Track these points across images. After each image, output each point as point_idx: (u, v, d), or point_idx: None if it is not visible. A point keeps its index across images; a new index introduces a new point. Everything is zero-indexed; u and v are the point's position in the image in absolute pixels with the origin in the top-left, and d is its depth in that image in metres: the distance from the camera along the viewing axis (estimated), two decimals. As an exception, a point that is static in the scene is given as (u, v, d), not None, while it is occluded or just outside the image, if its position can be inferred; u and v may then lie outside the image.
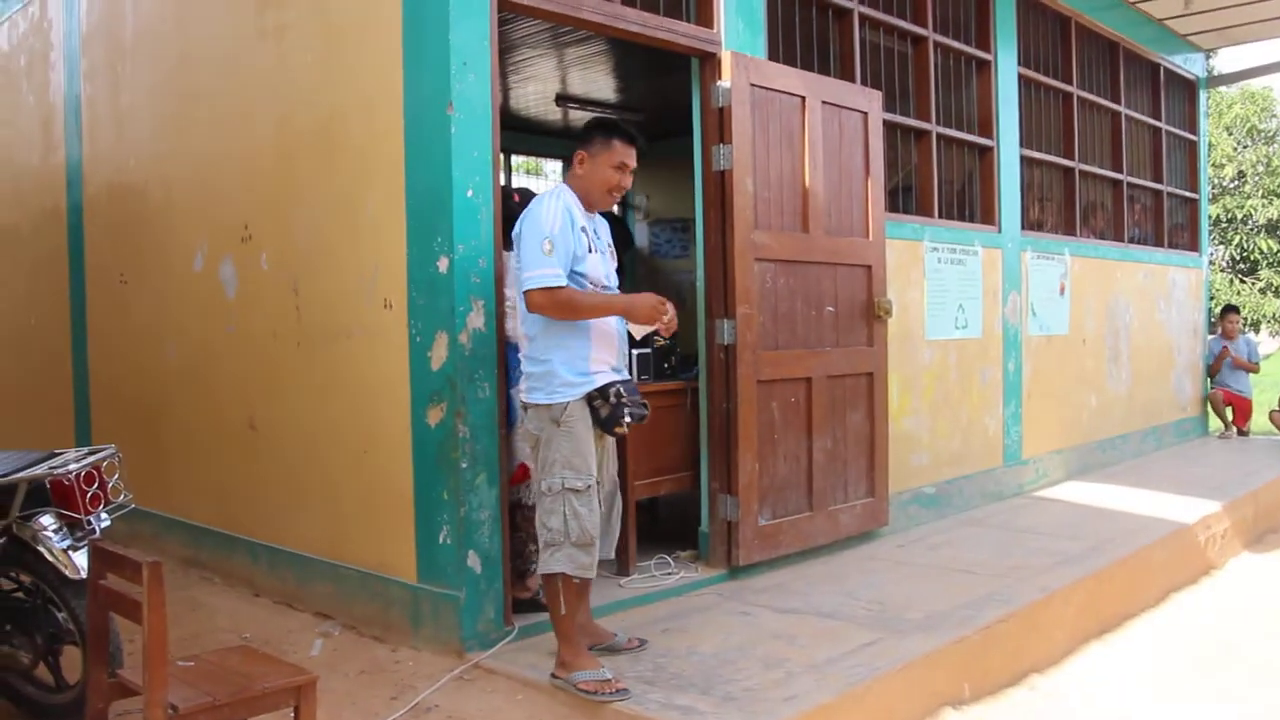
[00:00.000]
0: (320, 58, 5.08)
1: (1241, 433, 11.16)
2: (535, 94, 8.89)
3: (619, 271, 4.35)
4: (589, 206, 4.19)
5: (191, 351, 6.19)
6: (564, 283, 3.90)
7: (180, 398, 6.31)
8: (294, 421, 5.35)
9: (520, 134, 10.17)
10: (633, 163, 4.17)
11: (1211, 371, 11.19)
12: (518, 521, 4.73)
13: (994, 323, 7.60)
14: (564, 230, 3.94)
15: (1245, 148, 25.07)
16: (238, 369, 5.76)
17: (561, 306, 3.92)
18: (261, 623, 5.11)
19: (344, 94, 4.94)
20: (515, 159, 11.59)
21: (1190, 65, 11.03)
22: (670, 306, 4.09)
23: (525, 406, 4.09)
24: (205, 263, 5.95)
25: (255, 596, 5.54)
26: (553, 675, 4.00)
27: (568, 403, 3.96)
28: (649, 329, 4.22)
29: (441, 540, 4.44)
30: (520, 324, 4.13)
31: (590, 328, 4.03)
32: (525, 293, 3.90)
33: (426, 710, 3.97)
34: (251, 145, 5.58)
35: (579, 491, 3.94)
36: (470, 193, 4.37)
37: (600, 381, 4.00)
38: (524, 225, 3.97)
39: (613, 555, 4.37)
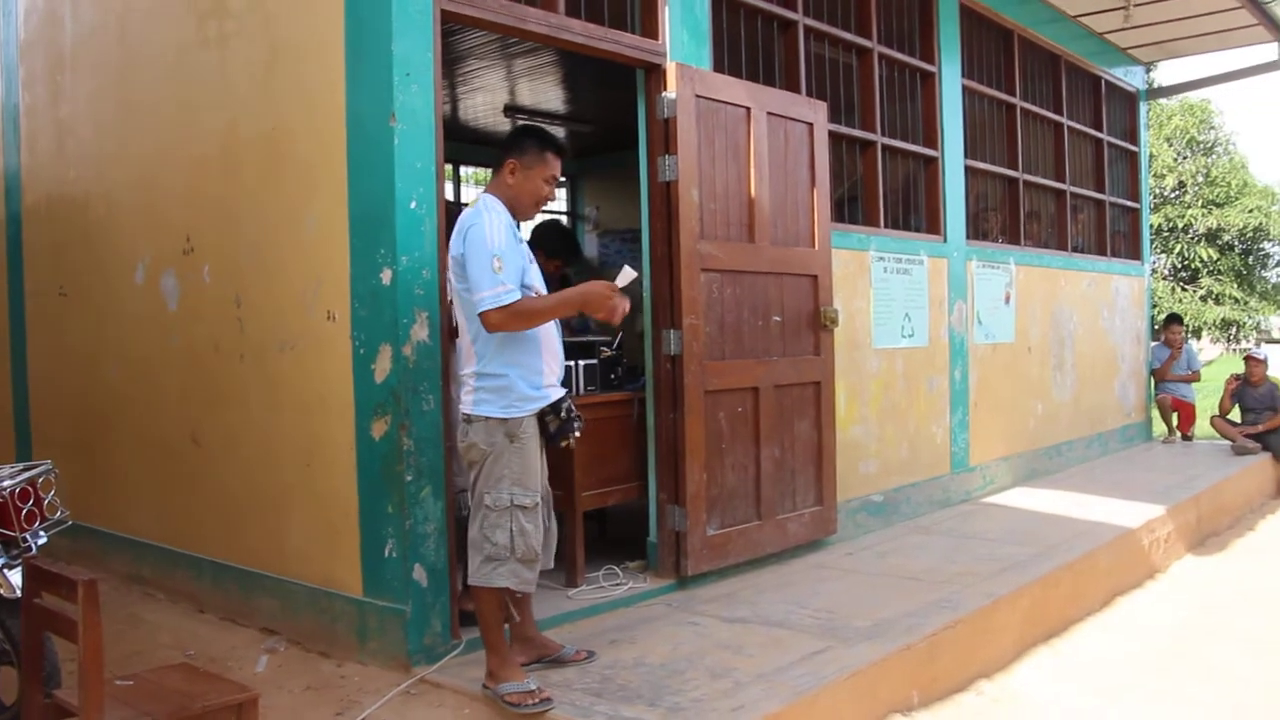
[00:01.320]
0: (263, 67, 5.03)
1: (1185, 438, 11.34)
2: (484, 105, 8.87)
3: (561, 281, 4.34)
4: (515, 216, 4.15)
5: (133, 365, 6.10)
6: (518, 296, 3.88)
7: (122, 412, 6.22)
8: (237, 435, 5.29)
9: (469, 145, 10.15)
10: (560, 175, 4.21)
11: (1159, 376, 11.37)
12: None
13: (940, 331, 7.67)
14: (510, 245, 3.93)
15: (1185, 158, 25.58)
16: (180, 382, 5.69)
17: (521, 317, 3.89)
18: (205, 639, 5.04)
19: (287, 104, 4.90)
20: (465, 170, 11.56)
21: (1130, 78, 11.22)
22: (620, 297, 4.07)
23: (469, 419, 4.02)
24: (147, 275, 5.87)
25: (199, 613, 5.46)
26: (484, 685, 4.01)
27: (523, 418, 3.96)
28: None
29: (387, 554, 4.41)
30: (470, 339, 4.05)
31: (541, 342, 4.03)
32: (483, 316, 3.85)
33: (372, 726, 3.94)
34: (193, 156, 5.52)
35: (526, 509, 3.95)
36: (414, 204, 4.35)
37: (554, 396, 4.03)
38: (467, 246, 3.91)
39: (553, 564, 4.35)
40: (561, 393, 4.08)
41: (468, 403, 4.03)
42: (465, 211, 4.06)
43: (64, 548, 5.99)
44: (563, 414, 4.03)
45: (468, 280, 3.90)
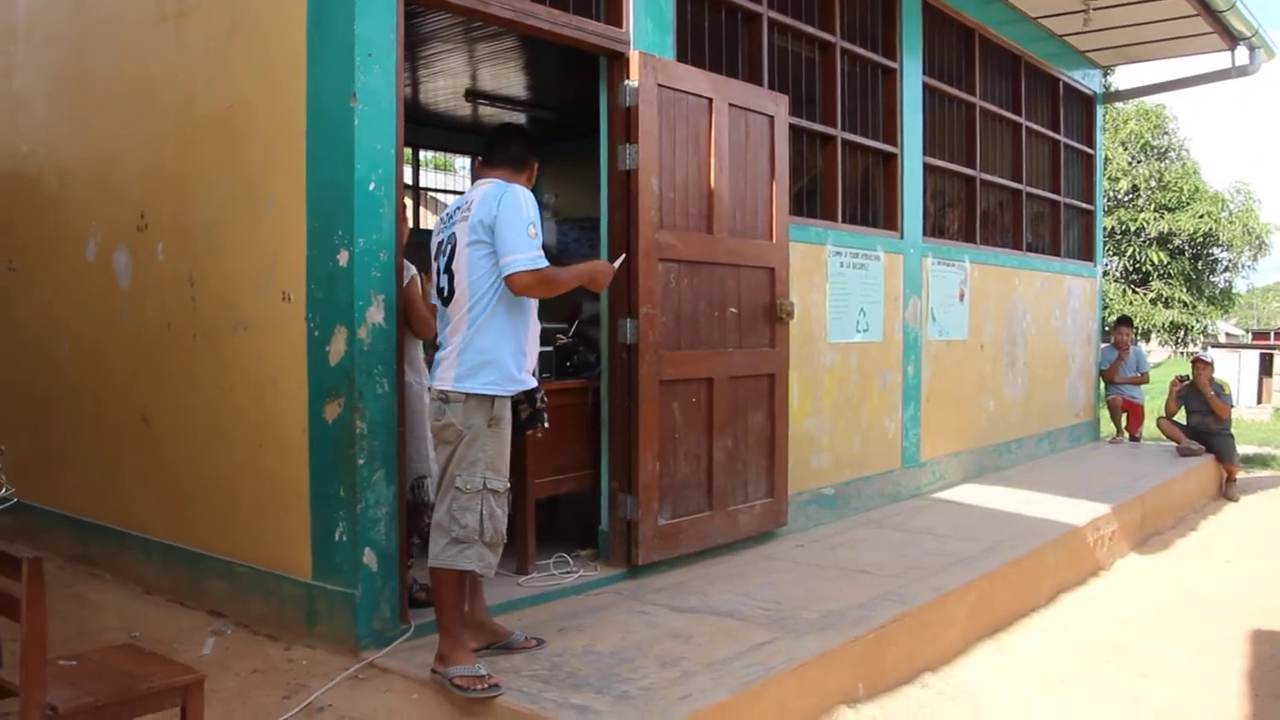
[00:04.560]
0: (222, 44, 4.97)
1: (1133, 439, 11.51)
2: (445, 89, 8.82)
3: None
4: None
5: (83, 342, 6.02)
6: (546, 262, 3.97)
7: (71, 390, 6.13)
8: (188, 415, 5.23)
9: (429, 129, 10.09)
10: None
11: (1108, 377, 11.52)
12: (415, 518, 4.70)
13: (895, 327, 7.73)
14: (540, 217, 4.02)
15: (1139, 163, 25.84)
16: (131, 361, 5.62)
17: (547, 282, 4.01)
18: (152, 621, 4.99)
19: (246, 82, 4.84)
20: (424, 154, 11.49)
21: (1088, 81, 11.34)
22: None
23: (446, 396, 3.98)
24: (98, 251, 5.79)
25: (147, 594, 5.40)
26: (432, 670, 4.00)
27: (506, 399, 4.01)
28: None
29: (337, 537, 4.38)
30: (467, 306, 3.99)
31: (529, 326, 4.12)
32: (512, 275, 3.90)
33: (319, 710, 3.92)
34: (150, 133, 5.45)
35: (498, 493, 3.99)
36: (372, 186, 4.31)
37: (531, 384, 4.13)
38: (501, 209, 3.94)
39: None
40: (535, 382, 4.17)
41: (446, 379, 4.00)
42: (485, 187, 4.07)
43: (9, 526, 5.93)
44: (537, 402, 4.15)
45: (494, 243, 3.95)
